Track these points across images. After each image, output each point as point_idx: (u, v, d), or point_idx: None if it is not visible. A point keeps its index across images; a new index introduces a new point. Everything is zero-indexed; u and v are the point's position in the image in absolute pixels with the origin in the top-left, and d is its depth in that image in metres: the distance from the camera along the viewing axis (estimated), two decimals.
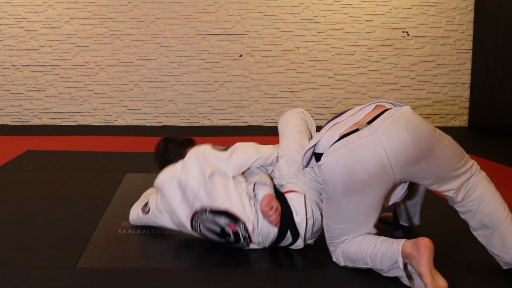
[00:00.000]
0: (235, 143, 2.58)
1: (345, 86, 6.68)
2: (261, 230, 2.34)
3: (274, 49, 6.59)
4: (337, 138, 2.13)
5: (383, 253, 2.04)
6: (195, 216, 2.38)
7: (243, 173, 2.45)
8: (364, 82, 6.68)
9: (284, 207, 2.33)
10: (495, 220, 2.14)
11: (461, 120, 6.83)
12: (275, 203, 2.29)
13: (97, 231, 2.63)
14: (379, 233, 2.20)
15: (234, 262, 2.35)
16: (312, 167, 2.41)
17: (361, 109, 2.23)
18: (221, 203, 2.33)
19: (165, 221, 2.51)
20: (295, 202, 2.34)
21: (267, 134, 5.46)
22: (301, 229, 2.34)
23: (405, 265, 2.02)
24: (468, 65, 6.75)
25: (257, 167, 2.47)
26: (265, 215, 2.28)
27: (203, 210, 2.35)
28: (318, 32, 6.59)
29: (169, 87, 6.58)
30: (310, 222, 2.35)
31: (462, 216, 2.22)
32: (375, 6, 6.59)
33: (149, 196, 2.73)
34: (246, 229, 2.32)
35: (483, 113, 6.49)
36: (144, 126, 6.54)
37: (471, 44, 6.72)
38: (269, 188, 2.35)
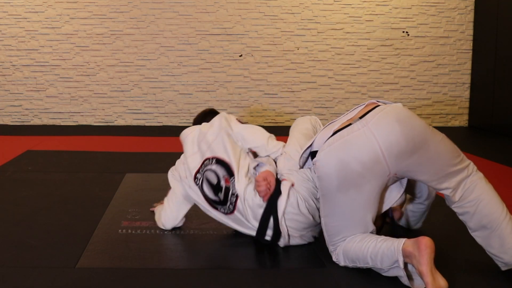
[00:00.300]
0: None
1: (345, 86, 6.68)
2: (246, 200, 2.44)
3: (274, 49, 6.59)
4: (330, 134, 2.18)
5: (383, 252, 2.04)
6: (202, 166, 2.56)
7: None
8: (364, 82, 6.68)
9: (275, 191, 2.42)
10: (494, 221, 2.13)
11: (461, 120, 6.83)
12: (271, 179, 2.41)
13: (97, 231, 2.64)
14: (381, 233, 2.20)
15: (234, 262, 2.35)
16: (310, 168, 2.43)
17: (355, 108, 2.28)
18: (227, 156, 2.54)
19: (177, 190, 2.63)
20: (283, 187, 2.43)
21: None
22: (280, 211, 2.38)
23: (405, 264, 2.02)
24: (468, 65, 6.75)
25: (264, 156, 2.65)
26: (257, 185, 2.40)
27: (211, 158, 2.56)
28: (318, 32, 6.59)
29: (169, 87, 6.58)
30: (290, 209, 2.40)
31: (460, 217, 2.22)
32: (375, 6, 6.59)
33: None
34: (235, 190, 2.45)
35: (483, 113, 6.49)
36: (144, 126, 6.54)
37: (471, 44, 6.72)
38: (271, 168, 2.49)
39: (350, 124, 2.15)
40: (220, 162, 2.53)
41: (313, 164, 2.21)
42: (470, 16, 6.68)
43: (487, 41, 6.40)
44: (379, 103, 2.22)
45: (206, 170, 2.55)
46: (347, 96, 6.68)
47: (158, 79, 6.56)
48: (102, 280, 2.10)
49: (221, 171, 2.51)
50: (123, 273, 2.17)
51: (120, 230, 2.66)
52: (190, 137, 2.70)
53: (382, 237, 2.13)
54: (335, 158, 2.12)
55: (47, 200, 3.19)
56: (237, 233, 2.64)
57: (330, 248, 2.26)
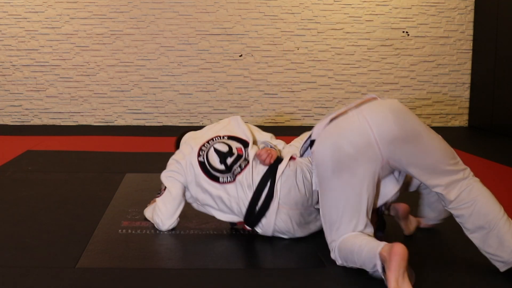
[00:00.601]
0: None
1: (345, 86, 6.68)
2: (254, 166, 2.55)
3: (274, 49, 6.59)
4: (327, 122, 2.27)
5: (366, 254, 2.03)
6: (212, 140, 2.68)
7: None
8: (364, 82, 6.68)
9: (277, 160, 2.57)
10: (491, 220, 2.13)
11: (461, 120, 6.83)
12: (273, 153, 2.57)
13: (97, 231, 2.63)
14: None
15: (234, 262, 2.35)
16: (310, 159, 2.52)
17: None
18: (243, 134, 2.71)
19: (173, 190, 2.63)
20: (285, 158, 2.58)
21: None
22: (278, 173, 2.50)
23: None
24: (468, 65, 6.75)
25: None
26: (258, 154, 2.57)
27: (223, 136, 2.70)
28: (318, 32, 6.59)
29: (169, 87, 6.58)
30: (287, 172, 2.50)
31: (457, 219, 2.21)
32: (375, 6, 6.59)
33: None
34: (248, 156, 2.58)
35: (483, 113, 6.49)
36: (144, 126, 6.54)
37: (471, 44, 6.72)
38: (275, 149, 2.68)
39: (345, 112, 2.26)
40: (233, 138, 2.69)
41: (312, 153, 2.29)
42: (470, 16, 6.68)
43: (487, 41, 6.40)
44: (378, 98, 2.30)
45: (217, 142, 2.66)
46: (347, 96, 6.68)
47: (158, 79, 6.56)
48: (102, 280, 2.10)
49: (234, 144, 2.65)
50: (123, 273, 2.17)
51: (120, 230, 2.66)
52: (186, 138, 2.81)
53: (371, 238, 2.11)
54: (329, 143, 2.20)
55: (47, 200, 3.19)
56: (237, 233, 2.65)
57: (330, 245, 2.26)
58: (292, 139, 2.84)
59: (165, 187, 2.67)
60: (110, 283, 2.09)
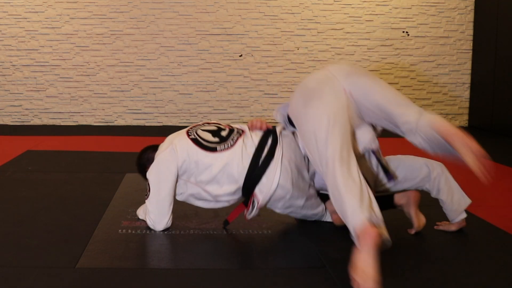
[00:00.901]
0: None
1: None
2: (251, 133, 2.64)
3: (274, 49, 6.59)
4: None
5: (348, 212, 2.09)
6: (194, 127, 2.69)
7: None
8: None
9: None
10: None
11: (461, 120, 6.83)
12: (265, 120, 2.71)
13: (97, 231, 2.63)
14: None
15: (234, 262, 2.35)
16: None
17: None
18: (222, 124, 2.76)
19: (162, 191, 2.57)
20: (278, 127, 2.69)
21: None
22: (278, 130, 2.63)
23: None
24: (468, 65, 6.75)
25: None
26: (252, 125, 2.67)
27: (204, 124, 2.73)
28: (318, 32, 6.60)
29: (169, 87, 6.58)
30: (286, 133, 2.64)
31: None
32: (375, 6, 6.59)
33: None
34: (240, 129, 2.67)
35: (483, 113, 6.49)
36: (144, 126, 6.54)
37: (471, 44, 6.72)
38: None
39: None
40: (216, 123, 2.74)
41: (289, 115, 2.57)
42: (470, 16, 6.68)
43: (487, 41, 6.40)
44: None
45: (202, 126, 2.68)
46: None
47: (158, 79, 6.56)
48: (102, 280, 2.10)
49: (221, 124, 2.71)
50: (123, 273, 2.17)
51: (120, 230, 2.66)
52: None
53: (357, 198, 2.11)
54: (296, 91, 2.51)
55: (47, 200, 3.19)
56: (237, 233, 2.65)
57: (321, 164, 2.26)
58: None
59: (150, 188, 2.61)
60: (110, 283, 2.09)
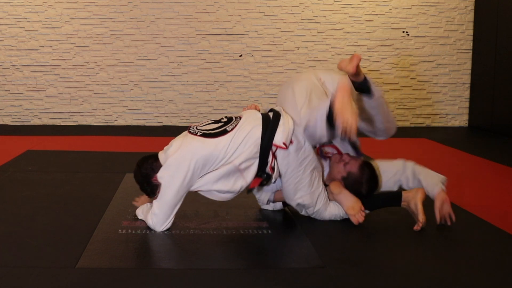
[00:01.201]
0: None
1: None
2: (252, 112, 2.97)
3: (274, 49, 6.59)
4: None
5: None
6: (191, 128, 2.74)
7: None
8: None
9: None
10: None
11: (461, 120, 6.83)
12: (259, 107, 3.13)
13: (97, 231, 2.64)
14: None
15: (234, 262, 2.35)
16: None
17: None
18: None
19: (179, 170, 2.55)
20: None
21: None
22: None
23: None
24: (468, 65, 6.75)
25: None
26: (247, 109, 3.02)
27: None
28: (318, 32, 6.60)
29: (169, 87, 6.58)
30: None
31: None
32: (375, 6, 6.59)
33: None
34: (238, 115, 2.90)
35: (483, 113, 6.49)
36: (144, 126, 6.54)
37: (471, 44, 6.72)
38: None
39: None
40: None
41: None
42: (470, 16, 6.68)
43: (487, 41, 6.40)
44: None
45: (199, 123, 2.77)
46: None
47: (158, 79, 6.56)
48: (102, 280, 2.10)
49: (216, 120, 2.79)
50: (123, 273, 2.17)
51: (120, 230, 2.66)
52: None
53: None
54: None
55: (47, 200, 3.19)
56: (237, 233, 2.65)
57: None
58: None
59: (160, 190, 2.59)
60: (110, 283, 2.09)
